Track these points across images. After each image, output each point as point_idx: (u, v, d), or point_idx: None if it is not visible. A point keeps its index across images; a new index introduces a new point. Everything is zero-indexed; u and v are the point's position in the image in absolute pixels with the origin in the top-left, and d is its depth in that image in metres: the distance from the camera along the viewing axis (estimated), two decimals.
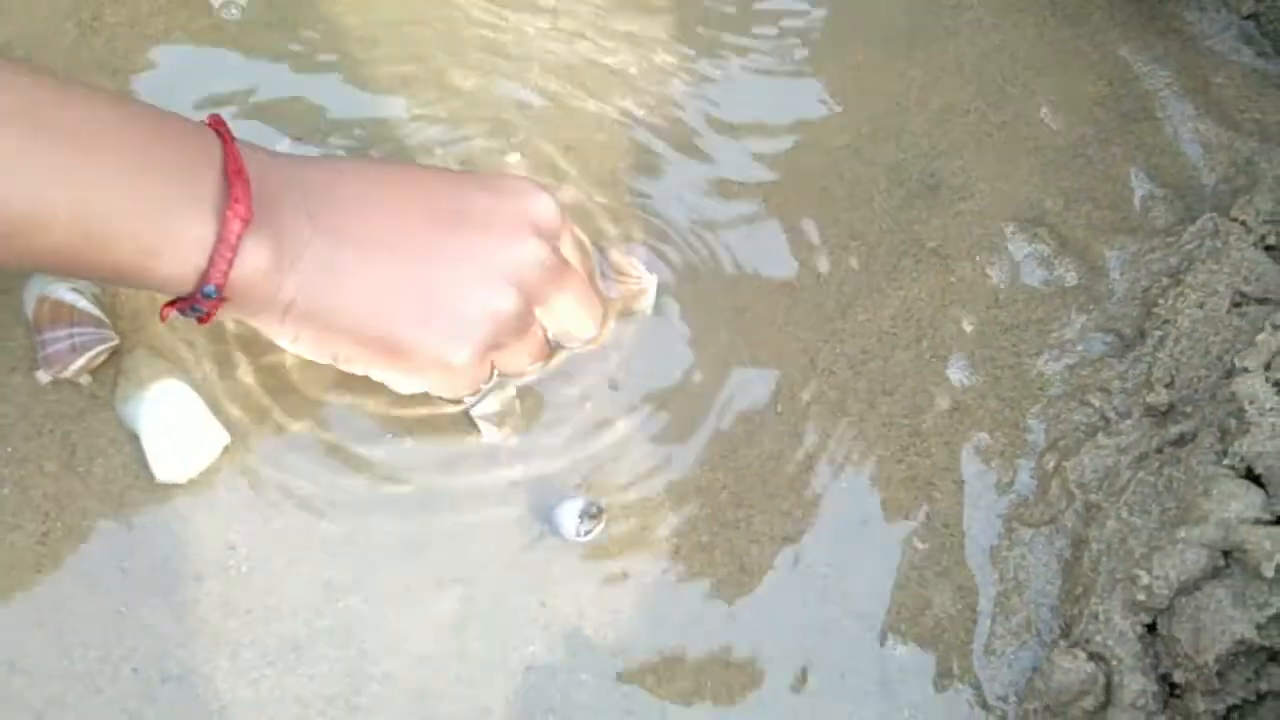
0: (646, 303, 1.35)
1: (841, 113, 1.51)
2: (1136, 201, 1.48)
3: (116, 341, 1.21)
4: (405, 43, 1.50)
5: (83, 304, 1.21)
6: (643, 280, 1.34)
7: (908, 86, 1.54)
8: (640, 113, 1.50)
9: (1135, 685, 1.04)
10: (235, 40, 1.46)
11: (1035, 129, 1.53)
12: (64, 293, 1.21)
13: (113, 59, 1.41)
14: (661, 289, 1.36)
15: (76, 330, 1.19)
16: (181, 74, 1.42)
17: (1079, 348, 1.36)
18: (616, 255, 1.35)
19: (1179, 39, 1.61)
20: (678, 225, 1.42)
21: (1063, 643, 1.10)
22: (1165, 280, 1.36)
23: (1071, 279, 1.40)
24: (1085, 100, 1.55)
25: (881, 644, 1.19)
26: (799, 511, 1.24)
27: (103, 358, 1.20)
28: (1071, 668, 1.05)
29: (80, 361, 1.19)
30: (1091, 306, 1.39)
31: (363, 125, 1.42)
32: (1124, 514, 1.15)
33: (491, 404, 1.25)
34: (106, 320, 1.22)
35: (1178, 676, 1.04)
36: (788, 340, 1.35)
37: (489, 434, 1.25)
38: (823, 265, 1.40)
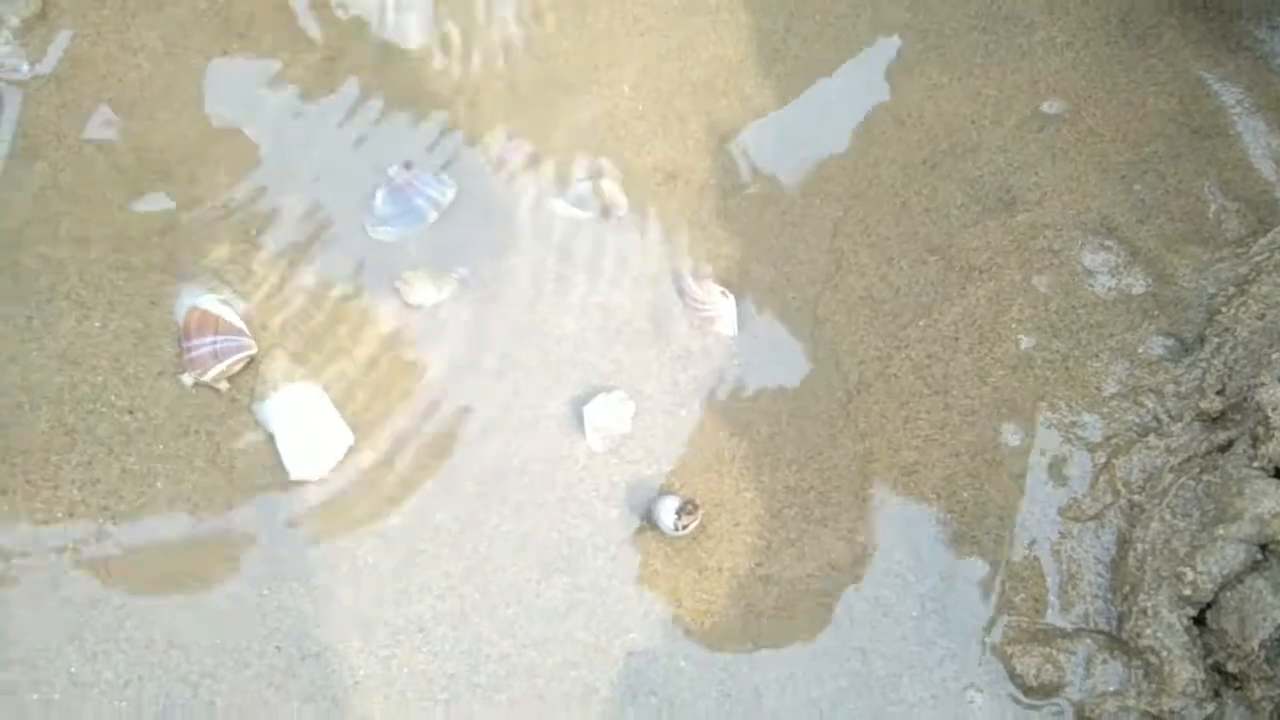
0: (727, 325, 1.43)
1: (920, 131, 1.58)
2: (1210, 214, 1.53)
3: (254, 351, 1.33)
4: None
5: (228, 315, 1.33)
6: (719, 306, 1.43)
7: (983, 105, 1.61)
8: (727, 135, 1.58)
9: (1185, 674, 1.10)
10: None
11: (1107, 144, 1.58)
12: (212, 304, 1.33)
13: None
14: (746, 304, 1.45)
15: (219, 339, 1.31)
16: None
17: (1139, 350, 1.42)
18: (692, 283, 1.44)
19: (1250, 57, 1.66)
20: (761, 242, 1.50)
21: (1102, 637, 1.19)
22: (1231, 289, 1.41)
23: (1139, 287, 1.46)
24: (1157, 116, 1.61)
25: (983, 637, 1.26)
26: (881, 509, 1.32)
27: (240, 365, 1.32)
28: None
29: (220, 367, 1.31)
30: (1156, 312, 1.44)
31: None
32: (1167, 516, 1.21)
33: (606, 418, 1.34)
34: (247, 331, 1.34)
35: (1231, 666, 1.10)
36: (866, 348, 1.42)
37: (596, 443, 1.34)
38: (901, 278, 1.47)
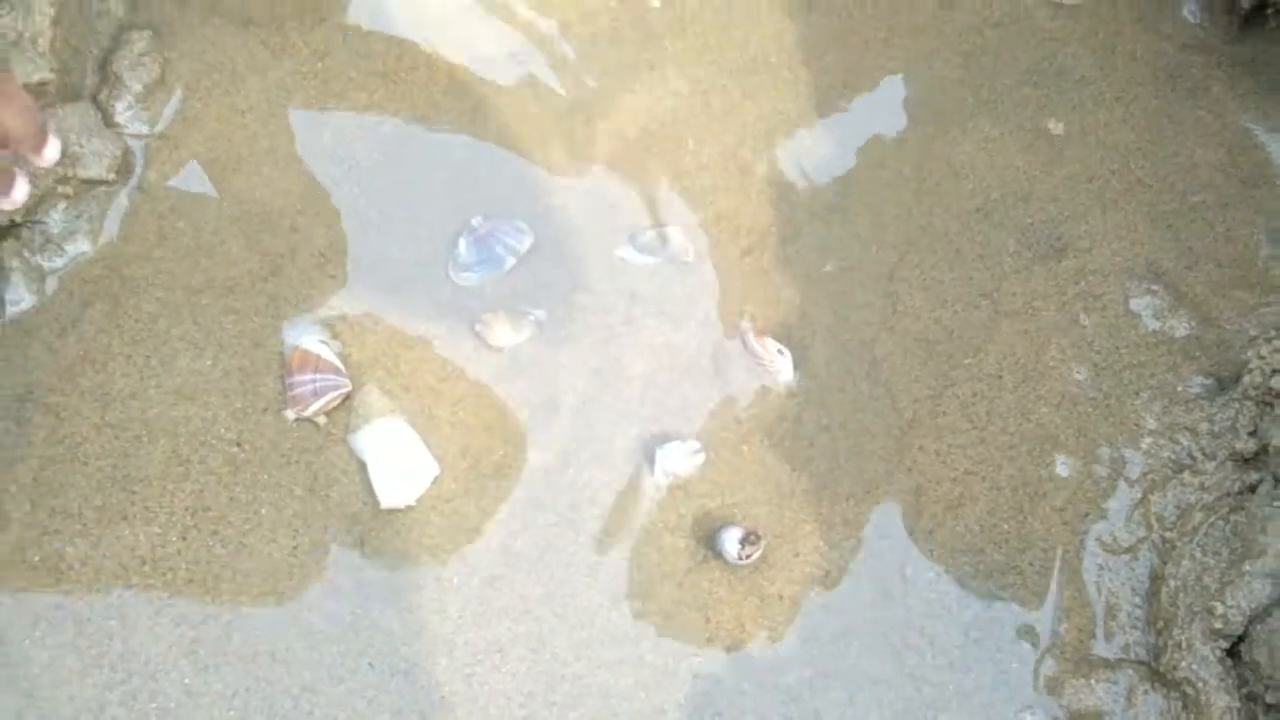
0: (786, 378, 1.51)
1: (973, 181, 1.66)
2: (1258, 260, 1.58)
3: (349, 389, 1.44)
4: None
5: (327, 354, 1.44)
6: (777, 362, 1.51)
7: (1035, 157, 1.68)
8: (787, 185, 1.67)
9: (1220, 704, 1.16)
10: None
11: (1155, 194, 1.64)
12: (313, 344, 1.45)
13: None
14: (804, 344, 1.53)
15: (318, 377, 1.42)
16: None
17: (1178, 389, 1.47)
18: (753, 341, 1.52)
19: None
20: (820, 286, 1.58)
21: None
22: (1272, 332, 1.46)
23: (1182, 329, 1.52)
24: (1205, 167, 1.67)
25: (1031, 666, 1.32)
26: (930, 541, 1.39)
27: (337, 401, 1.43)
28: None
29: (319, 404, 1.42)
30: (1198, 353, 1.50)
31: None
32: (1197, 554, 1.27)
33: (677, 463, 1.43)
34: (344, 370, 1.45)
35: (1270, 698, 1.14)
36: (920, 387, 1.49)
37: (663, 480, 1.43)
38: (954, 320, 1.54)
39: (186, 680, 1.26)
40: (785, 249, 1.62)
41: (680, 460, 1.42)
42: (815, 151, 1.70)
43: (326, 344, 1.45)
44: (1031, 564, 1.37)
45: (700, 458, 1.44)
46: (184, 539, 1.33)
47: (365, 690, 1.28)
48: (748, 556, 1.35)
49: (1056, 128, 1.71)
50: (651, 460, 1.43)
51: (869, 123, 1.73)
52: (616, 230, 1.63)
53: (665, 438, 1.46)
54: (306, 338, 1.45)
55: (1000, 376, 1.50)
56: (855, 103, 1.74)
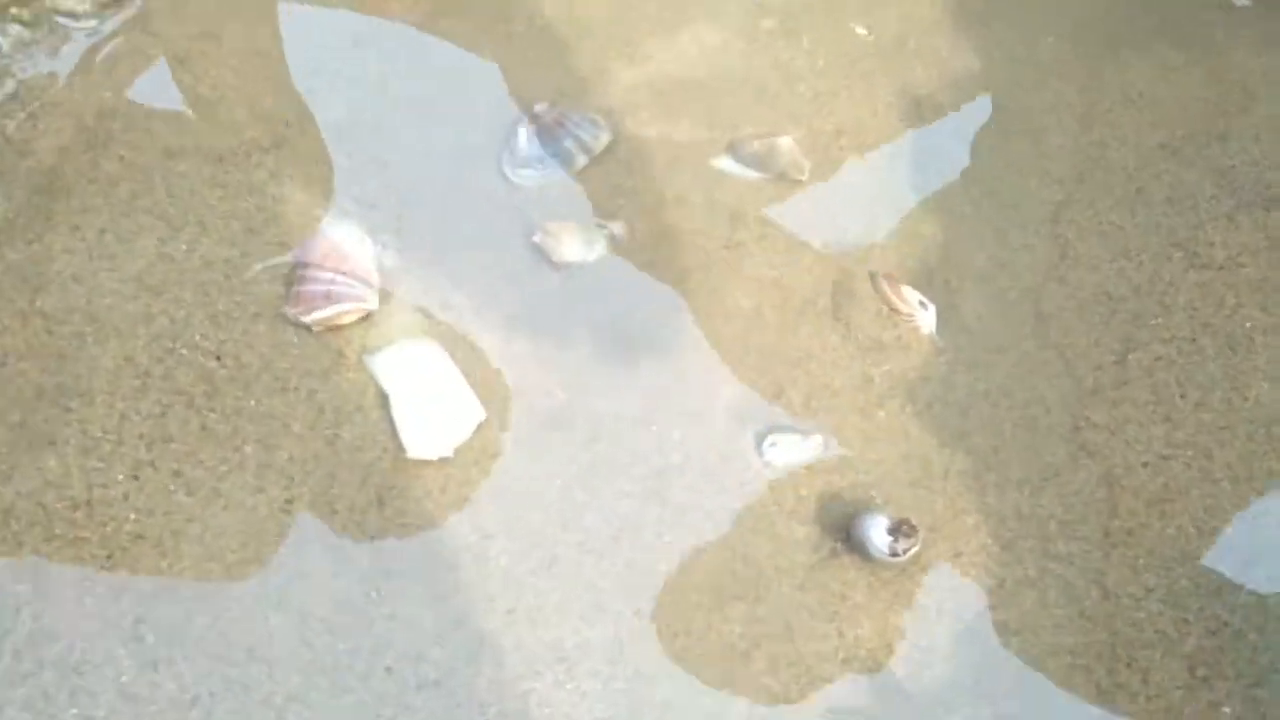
0: (930, 328, 1.18)
1: (1153, 113, 1.34)
2: None
3: (372, 308, 1.08)
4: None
5: (363, 256, 1.08)
6: (917, 314, 1.18)
7: (1226, 91, 1.37)
8: (921, 99, 1.35)
9: None
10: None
11: None
12: (352, 239, 1.09)
13: None
14: (952, 293, 1.20)
15: (340, 279, 1.06)
16: None
17: None
18: (886, 287, 1.19)
19: None
20: (967, 223, 1.26)
21: None
22: None
23: None
24: None
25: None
26: (1130, 544, 1.06)
27: (352, 317, 1.07)
28: None
29: (328, 312, 1.05)
30: None
31: None
32: None
33: (794, 453, 1.09)
34: (376, 283, 1.09)
35: None
36: (1102, 352, 1.17)
37: (776, 459, 1.09)
38: (1138, 274, 1.22)
39: (124, 679, 0.88)
40: (921, 172, 1.29)
41: (792, 455, 1.09)
42: (954, 64, 1.38)
43: (367, 245, 1.09)
44: (1270, 578, 1.04)
45: (818, 447, 1.10)
46: (135, 478, 0.96)
47: (380, 706, 0.91)
48: (903, 552, 1.00)
49: (1248, 60, 1.40)
50: (759, 438, 1.09)
51: (1022, 38, 1.41)
52: (715, 135, 1.30)
53: (773, 421, 1.11)
54: (345, 227, 1.09)
55: (1195, 340, 1.18)
56: (1004, 12, 1.42)
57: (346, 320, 1.07)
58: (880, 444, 1.11)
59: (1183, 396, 1.15)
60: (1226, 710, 0.98)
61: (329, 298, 1.05)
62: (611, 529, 1.03)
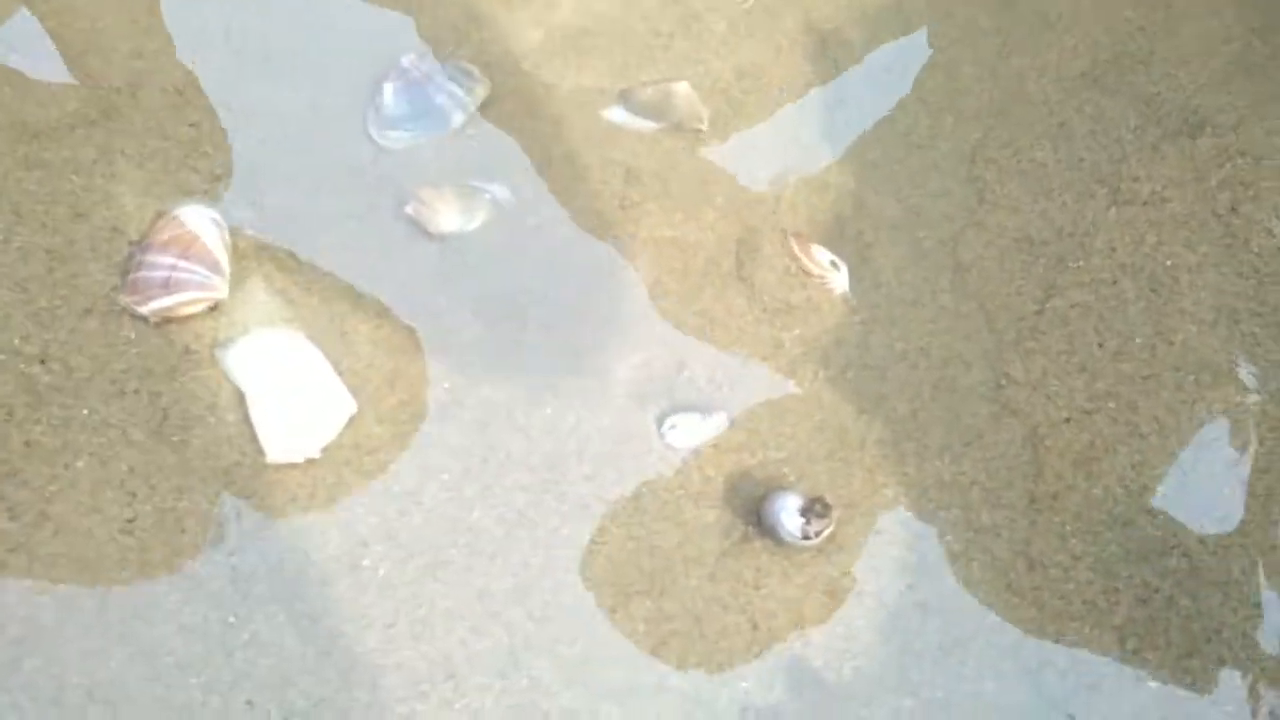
0: (841, 289, 1.10)
1: (1075, 36, 1.26)
2: None
3: (221, 297, 0.96)
4: None
5: (211, 239, 0.95)
6: (829, 276, 1.10)
7: (1151, 9, 1.28)
8: (828, 34, 1.25)
9: None
10: None
11: None
12: (198, 219, 0.96)
13: None
14: (866, 247, 1.11)
15: (182, 264, 0.94)
16: None
17: None
18: (795, 246, 1.10)
19: None
20: (881, 169, 1.17)
21: None
22: None
23: None
24: None
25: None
26: (1058, 509, 0.99)
27: (196, 308, 0.95)
28: None
29: (166, 302, 0.94)
30: None
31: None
32: None
33: (696, 434, 1.00)
34: (226, 269, 0.97)
35: None
36: (1024, 301, 1.09)
37: (677, 441, 1.00)
38: (1061, 215, 1.15)
39: None
40: (830, 117, 1.20)
41: (695, 435, 1.00)
42: None
43: (219, 225, 0.97)
44: (1211, 550, 0.98)
45: (721, 425, 1.01)
46: None
47: None
48: (816, 534, 0.93)
49: None
50: (659, 420, 1.00)
51: None
52: (603, 84, 1.19)
53: (676, 398, 1.03)
54: (191, 208, 0.97)
55: (1116, 283, 1.11)
56: None
57: (190, 311, 0.95)
58: (792, 415, 1.03)
59: (1102, 345, 1.08)
60: (1153, 685, 0.92)
61: (168, 286, 0.93)
62: (504, 526, 0.94)
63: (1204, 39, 1.26)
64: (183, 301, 0.95)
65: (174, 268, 0.93)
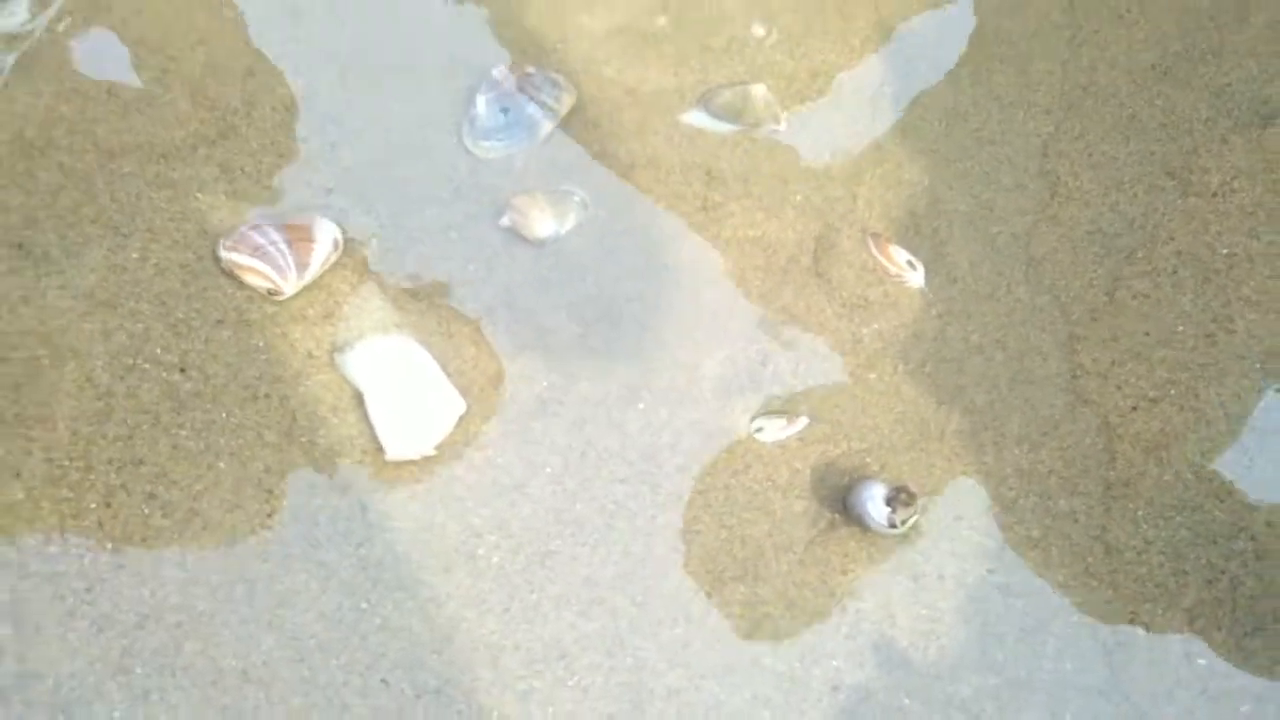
0: (918, 284, 1.14)
1: (1145, 29, 1.28)
2: None
3: (286, 290, 1.02)
4: None
5: (320, 248, 1.02)
6: (906, 275, 1.14)
7: (1221, 1, 1.30)
8: (899, 32, 1.28)
9: None
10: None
11: None
12: (324, 231, 1.04)
13: None
14: (941, 243, 1.16)
15: (281, 248, 1.01)
16: None
17: None
18: (873, 247, 1.14)
19: None
20: (954, 164, 1.20)
21: None
22: None
23: None
24: None
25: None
26: (1129, 496, 1.03)
27: (259, 281, 1.01)
28: None
29: (243, 260, 1.00)
30: None
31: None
32: None
33: (775, 432, 1.06)
34: (309, 276, 1.02)
35: None
36: (1096, 293, 1.13)
37: (766, 435, 1.06)
38: (1131, 207, 1.18)
39: (116, 714, 0.86)
40: (904, 115, 1.23)
41: (781, 435, 1.06)
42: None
43: (335, 244, 1.06)
44: (1270, 526, 1.02)
45: (804, 428, 1.07)
46: (107, 505, 0.93)
47: (380, 718, 0.90)
48: (901, 522, 0.98)
49: None
50: (748, 415, 1.06)
51: None
52: (684, 88, 1.23)
53: (763, 392, 1.08)
54: (326, 222, 1.07)
55: (1175, 272, 1.14)
56: None
57: (251, 280, 1.02)
58: (873, 408, 1.08)
59: (1163, 333, 1.11)
60: (1202, 663, 0.97)
61: (256, 251, 1.00)
62: (604, 517, 1.01)
63: (1275, 29, 1.28)
64: (254, 268, 1.01)
65: (274, 245, 1.01)
